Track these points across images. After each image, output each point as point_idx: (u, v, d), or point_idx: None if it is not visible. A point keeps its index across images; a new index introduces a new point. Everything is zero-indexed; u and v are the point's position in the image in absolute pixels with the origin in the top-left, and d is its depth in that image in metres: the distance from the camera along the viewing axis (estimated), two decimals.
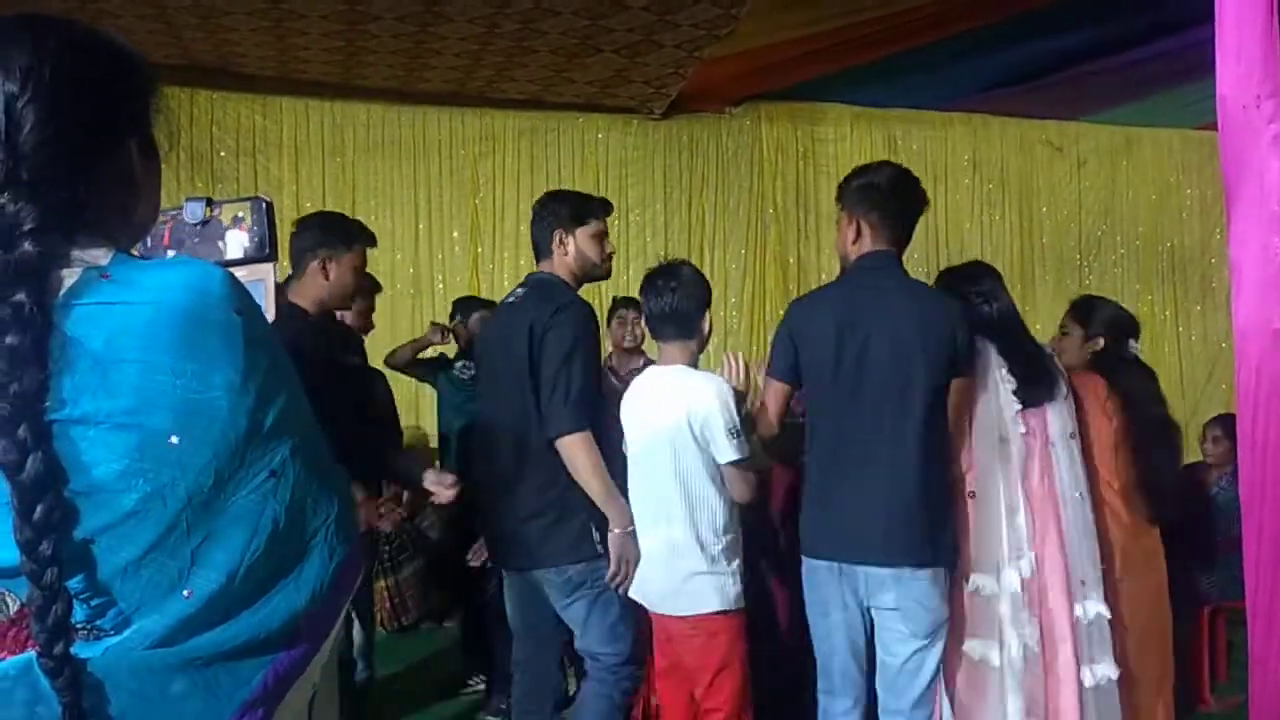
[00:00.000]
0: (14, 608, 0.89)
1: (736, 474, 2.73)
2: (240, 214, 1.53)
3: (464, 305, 4.80)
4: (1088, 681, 2.81)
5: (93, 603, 0.88)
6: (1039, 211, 7.06)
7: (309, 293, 2.84)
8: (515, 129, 6.32)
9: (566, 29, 4.82)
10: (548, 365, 2.75)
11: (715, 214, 6.60)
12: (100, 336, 0.87)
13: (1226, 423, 4.41)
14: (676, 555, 2.70)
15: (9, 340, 0.85)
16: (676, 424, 2.71)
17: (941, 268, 3.31)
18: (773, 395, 2.78)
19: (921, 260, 6.87)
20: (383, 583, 5.02)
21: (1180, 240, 7.29)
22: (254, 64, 5.38)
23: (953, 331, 2.65)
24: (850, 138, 6.81)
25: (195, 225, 1.52)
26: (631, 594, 2.81)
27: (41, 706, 0.86)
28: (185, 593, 0.89)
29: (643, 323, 3.12)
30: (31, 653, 0.87)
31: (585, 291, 2.99)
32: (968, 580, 2.75)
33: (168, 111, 1.06)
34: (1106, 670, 2.84)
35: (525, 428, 2.81)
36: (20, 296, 0.86)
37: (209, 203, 1.51)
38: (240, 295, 0.95)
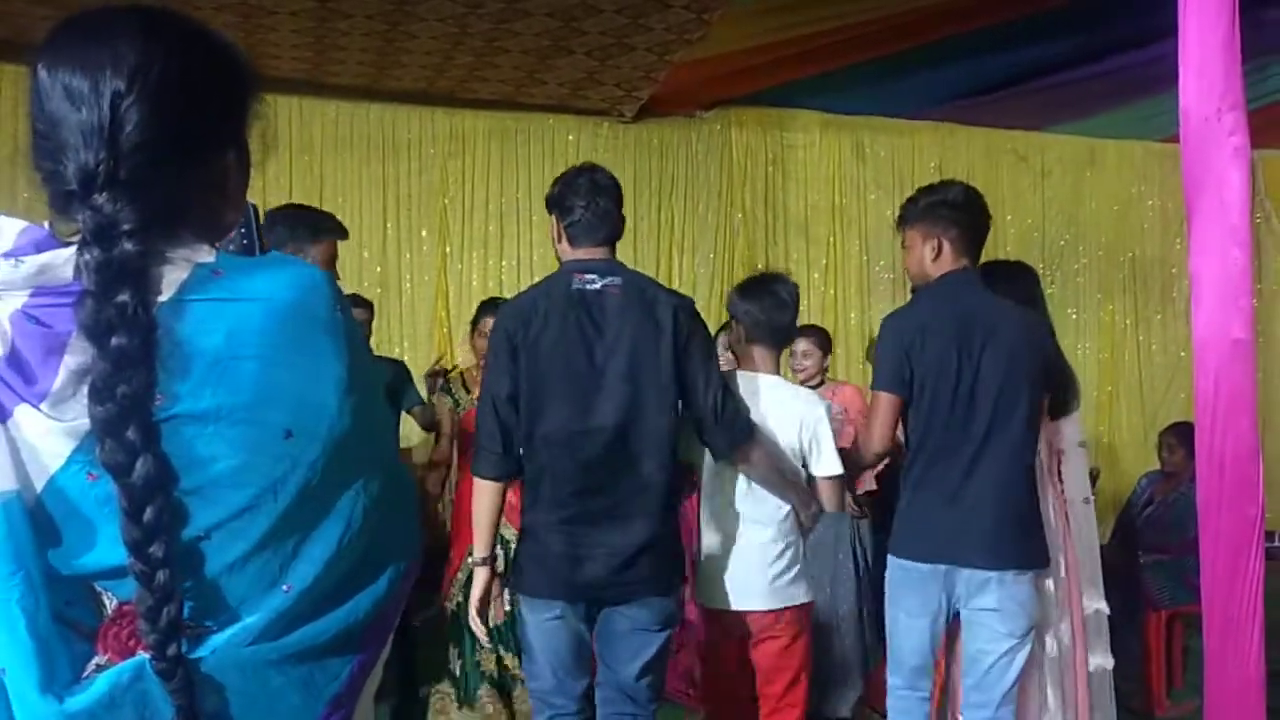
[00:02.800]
0: (111, 607, 0.88)
1: (836, 486, 2.87)
2: None
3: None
4: (1091, 668, 3.01)
5: (200, 600, 0.88)
6: (1003, 220, 7.12)
7: None
8: (485, 129, 6.30)
9: (539, 30, 4.81)
10: (709, 370, 2.57)
11: (684, 217, 6.61)
12: (220, 332, 0.87)
13: (1182, 431, 4.48)
14: (769, 556, 2.80)
15: (115, 341, 0.84)
16: (787, 434, 2.82)
17: None
18: (887, 408, 2.77)
19: (889, 266, 6.92)
20: None
21: (1142, 251, 7.40)
22: None
23: (1046, 345, 2.84)
24: (819, 144, 6.85)
25: None
26: (710, 602, 2.86)
27: (148, 710, 0.86)
28: (285, 587, 0.90)
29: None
30: (143, 656, 0.86)
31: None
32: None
33: (266, 119, 1.05)
34: (1103, 660, 3.04)
35: (653, 442, 2.51)
36: (124, 297, 0.85)
37: None
38: (340, 296, 0.96)
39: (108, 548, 0.85)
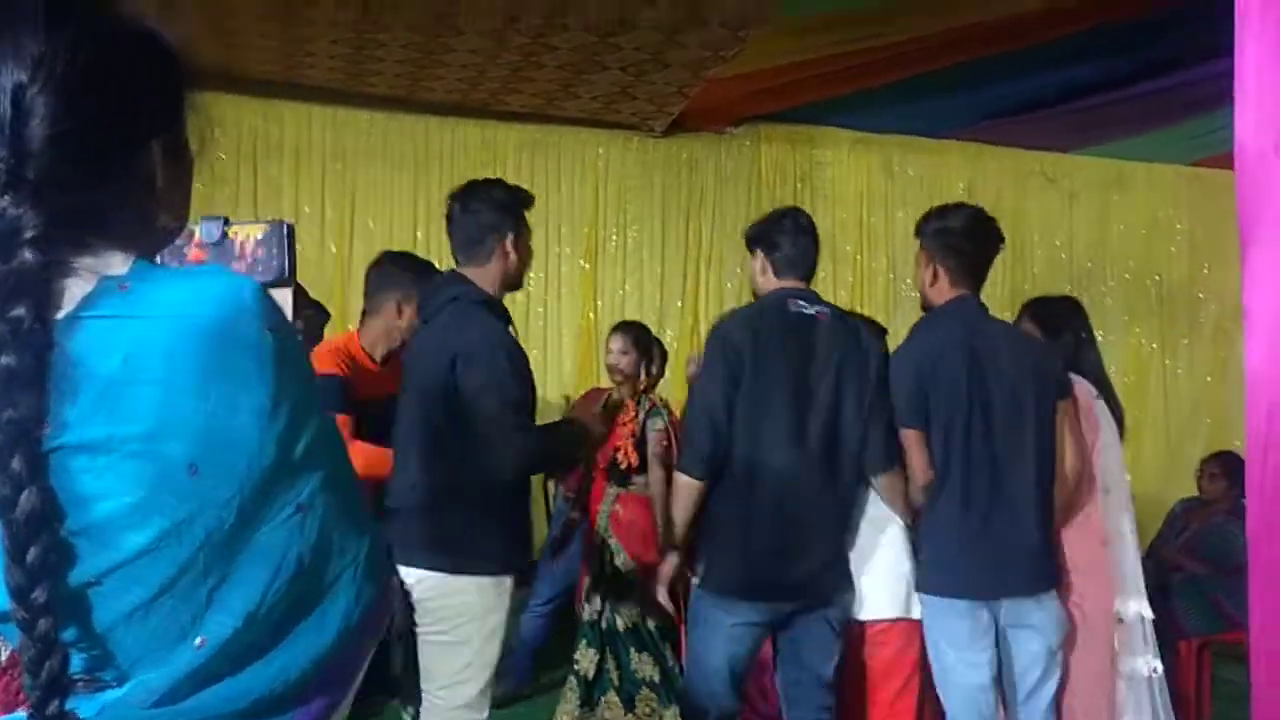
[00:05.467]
0: (4, 655, 0.83)
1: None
2: (259, 235, 1.46)
3: None
4: (1145, 672, 3.03)
5: (92, 652, 0.79)
6: (1031, 241, 7.11)
7: (496, 276, 2.72)
8: (516, 142, 6.34)
9: (576, 45, 4.83)
10: (885, 394, 2.75)
11: (712, 233, 6.62)
12: (117, 354, 0.77)
13: (1225, 460, 4.45)
14: (890, 564, 2.88)
15: (4, 361, 0.75)
16: None
17: None
18: (917, 443, 2.78)
19: (913, 285, 6.91)
20: None
21: (1169, 275, 7.37)
22: (257, 68, 5.38)
23: (1051, 366, 2.87)
24: (848, 161, 6.86)
25: (210, 245, 1.46)
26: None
27: None
28: (197, 641, 0.80)
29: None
30: (22, 714, 0.78)
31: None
32: (1115, 609, 3.00)
33: (202, 109, 0.95)
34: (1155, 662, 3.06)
35: (851, 458, 2.75)
36: (19, 311, 0.76)
37: (226, 222, 1.45)
38: (272, 311, 0.85)
39: None
